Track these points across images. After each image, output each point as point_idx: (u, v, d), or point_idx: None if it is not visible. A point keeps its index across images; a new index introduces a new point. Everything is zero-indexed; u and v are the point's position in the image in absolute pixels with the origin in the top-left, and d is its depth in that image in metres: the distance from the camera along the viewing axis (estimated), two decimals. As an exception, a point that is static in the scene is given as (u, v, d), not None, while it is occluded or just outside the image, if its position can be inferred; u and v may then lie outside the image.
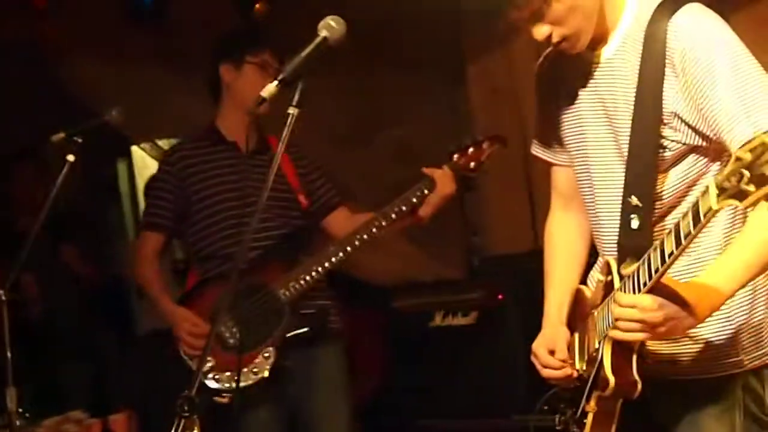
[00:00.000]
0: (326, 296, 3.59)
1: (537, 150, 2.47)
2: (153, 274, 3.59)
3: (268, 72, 3.44)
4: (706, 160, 2.05)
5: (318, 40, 2.17)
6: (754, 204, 1.55)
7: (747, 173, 1.53)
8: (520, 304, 4.52)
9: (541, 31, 2.06)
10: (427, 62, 5.63)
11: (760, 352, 2.07)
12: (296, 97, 2.13)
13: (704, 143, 2.02)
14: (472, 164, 3.51)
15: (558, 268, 2.42)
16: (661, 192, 2.05)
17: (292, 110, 2.14)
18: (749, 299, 2.05)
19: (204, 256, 3.57)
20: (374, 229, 3.45)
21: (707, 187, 1.64)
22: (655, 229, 2.05)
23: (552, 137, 2.38)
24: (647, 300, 1.87)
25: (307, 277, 3.41)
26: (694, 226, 1.71)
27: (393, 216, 3.46)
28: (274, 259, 3.46)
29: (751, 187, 1.53)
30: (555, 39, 2.07)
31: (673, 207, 2.07)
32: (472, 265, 5.82)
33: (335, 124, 5.36)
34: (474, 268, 5.72)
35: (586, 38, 2.09)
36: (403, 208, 3.47)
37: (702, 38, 1.98)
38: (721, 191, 1.59)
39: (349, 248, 3.45)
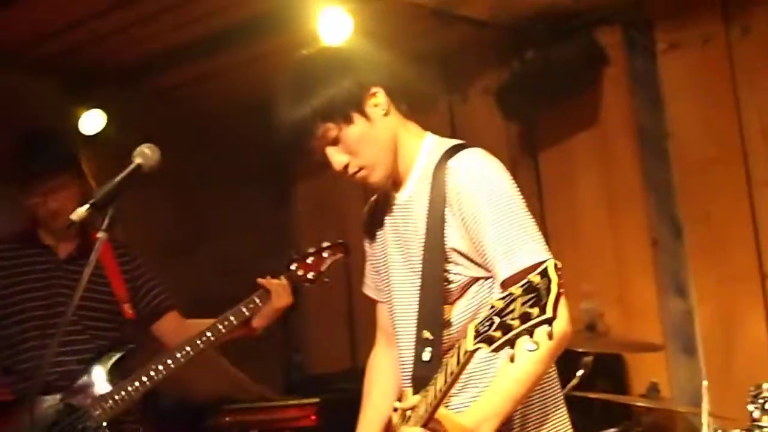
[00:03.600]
0: (138, 418, 3.45)
1: (365, 289, 2.59)
2: None
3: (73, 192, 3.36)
4: (490, 287, 2.18)
5: (132, 167, 2.24)
6: (499, 349, 1.67)
7: (497, 320, 1.68)
8: (335, 424, 4.56)
9: (337, 160, 2.20)
10: (255, 178, 5.77)
11: None
12: (106, 222, 2.17)
13: (486, 273, 2.16)
14: (311, 274, 3.40)
15: (373, 396, 2.53)
16: (450, 323, 2.17)
17: (101, 234, 2.17)
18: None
19: (7, 369, 3.39)
20: (201, 343, 3.33)
21: (468, 329, 1.78)
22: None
23: (373, 277, 2.51)
24: None
25: (124, 396, 3.27)
26: (457, 364, 1.85)
27: (222, 329, 3.34)
28: (88, 376, 3.32)
29: (498, 334, 1.67)
30: (351, 169, 2.21)
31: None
32: (290, 383, 5.85)
33: (161, 237, 5.37)
34: (292, 387, 5.75)
35: (384, 171, 2.23)
36: (234, 320, 3.36)
37: (473, 180, 2.13)
38: (477, 334, 1.73)
39: (171, 364, 3.31)
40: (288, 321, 5.65)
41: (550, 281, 1.63)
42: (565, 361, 3.90)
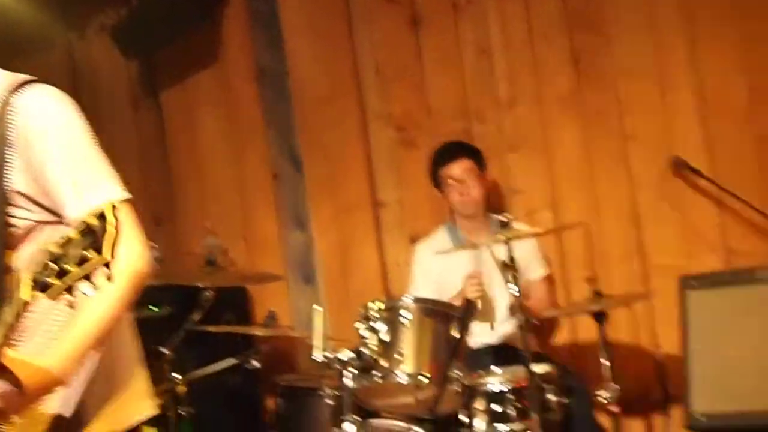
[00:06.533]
0: None
1: None
2: None
3: None
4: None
5: None
6: (57, 296, 1.64)
7: (54, 266, 1.67)
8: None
9: None
10: None
11: (117, 416, 2.21)
12: None
13: (57, 217, 2.07)
14: None
15: None
16: (11, 270, 2.05)
17: None
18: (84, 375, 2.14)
19: None
20: None
21: (22, 277, 1.74)
22: None
23: None
24: None
25: None
26: (14, 315, 1.77)
27: None
28: None
29: (55, 280, 1.66)
30: None
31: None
32: None
33: None
34: None
35: None
36: None
37: (40, 119, 2.03)
38: (34, 282, 1.70)
39: None
40: None
41: (106, 222, 1.64)
42: (187, 296, 4.01)
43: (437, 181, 4.26)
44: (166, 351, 3.77)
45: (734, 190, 3.94)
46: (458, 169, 4.18)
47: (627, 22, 4.29)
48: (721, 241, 4.05)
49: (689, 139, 4.12)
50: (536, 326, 4.00)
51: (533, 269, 4.22)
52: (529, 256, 4.14)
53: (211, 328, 3.92)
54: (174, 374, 3.77)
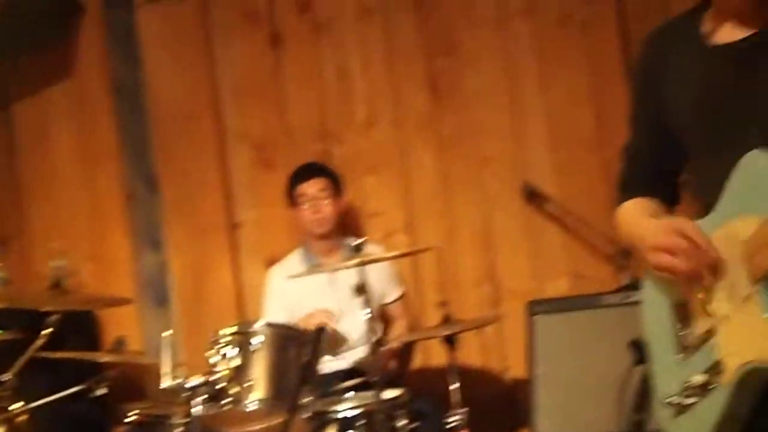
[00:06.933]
0: None
1: None
2: None
3: None
4: None
5: None
6: None
7: None
8: None
9: None
10: None
11: None
12: None
13: None
14: None
15: None
16: None
17: None
18: None
19: None
20: None
21: None
22: None
23: None
24: None
25: None
26: None
27: None
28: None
29: None
30: None
31: None
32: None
33: None
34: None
35: None
36: None
37: None
38: None
39: None
40: None
41: None
42: (32, 320, 3.87)
43: (293, 201, 4.26)
44: (5, 378, 3.63)
45: (582, 215, 4.05)
46: (312, 187, 4.19)
47: (482, 48, 4.38)
48: (569, 266, 4.16)
49: (540, 164, 4.22)
50: (389, 350, 4.02)
51: (388, 292, 4.24)
52: (384, 279, 4.16)
53: (57, 354, 3.79)
54: (15, 403, 3.63)
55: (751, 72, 1.85)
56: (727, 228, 1.83)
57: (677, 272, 1.85)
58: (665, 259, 1.85)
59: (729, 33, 1.90)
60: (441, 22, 4.47)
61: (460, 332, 3.65)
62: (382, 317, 4.19)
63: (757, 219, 1.75)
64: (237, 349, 3.37)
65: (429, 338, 4.15)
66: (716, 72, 1.90)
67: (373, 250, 4.05)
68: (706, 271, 1.83)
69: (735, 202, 1.83)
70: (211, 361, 3.39)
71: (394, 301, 4.27)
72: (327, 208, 4.19)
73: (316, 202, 4.19)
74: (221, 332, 3.43)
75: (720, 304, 1.83)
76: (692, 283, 1.86)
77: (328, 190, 4.22)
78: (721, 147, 1.87)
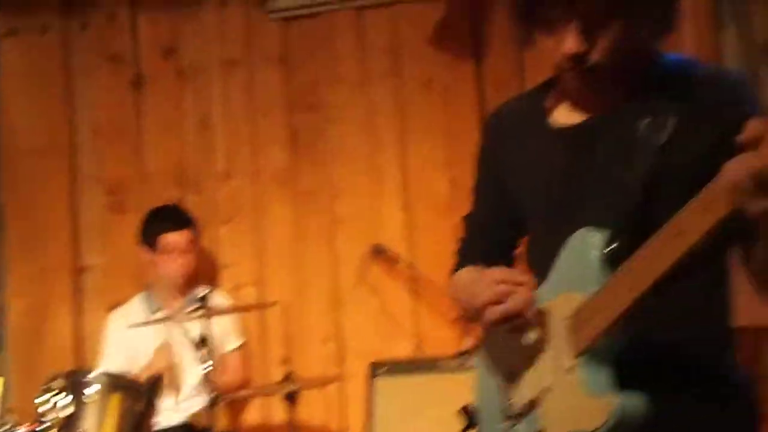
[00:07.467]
0: None
1: None
2: None
3: None
4: None
5: None
6: None
7: None
8: None
9: None
10: None
11: None
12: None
13: None
14: None
15: None
16: None
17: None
18: None
19: None
20: None
21: None
22: None
23: None
24: None
25: None
26: None
27: None
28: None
29: None
30: None
31: None
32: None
33: None
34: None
35: None
36: None
37: None
38: None
39: None
40: None
41: None
42: None
43: (153, 246, 4.13)
44: None
45: (431, 278, 4.09)
46: (182, 238, 4.12)
47: (344, 106, 4.42)
48: (414, 327, 4.19)
49: (392, 225, 4.27)
50: (226, 404, 3.96)
51: (228, 342, 4.18)
52: (225, 329, 4.10)
53: None
54: None
55: (588, 154, 1.92)
56: (555, 302, 1.88)
57: (510, 315, 1.88)
58: (497, 310, 1.88)
59: (569, 115, 1.97)
60: (305, 79, 4.49)
61: (300, 390, 3.63)
62: (219, 368, 4.13)
63: (580, 296, 1.81)
64: (68, 398, 3.26)
65: (269, 394, 4.10)
66: (556, 153, 1.96)
67: (218, 300, 4.00)
68: (529, 304, 1.86)
69: (562, 278, 1.89)
70: (40, 410, 3.28)
71: (233, 351, 4.20)
72: (193, 261, 4.14)
73: (185, 254, 4.11)
74: (53, 380, 3.32)
75: (545, 375, 1.88)
76: (526, 324, 1.89)
77: (194, 243, 4.17)
78: (557, 225, 1.93)
